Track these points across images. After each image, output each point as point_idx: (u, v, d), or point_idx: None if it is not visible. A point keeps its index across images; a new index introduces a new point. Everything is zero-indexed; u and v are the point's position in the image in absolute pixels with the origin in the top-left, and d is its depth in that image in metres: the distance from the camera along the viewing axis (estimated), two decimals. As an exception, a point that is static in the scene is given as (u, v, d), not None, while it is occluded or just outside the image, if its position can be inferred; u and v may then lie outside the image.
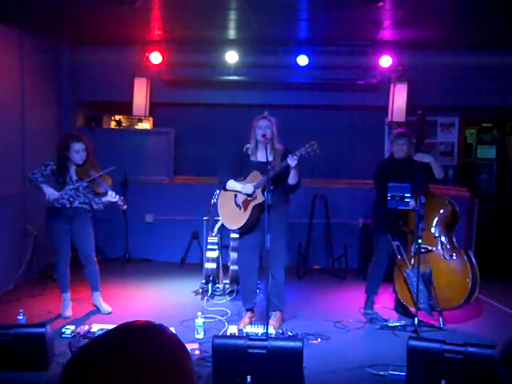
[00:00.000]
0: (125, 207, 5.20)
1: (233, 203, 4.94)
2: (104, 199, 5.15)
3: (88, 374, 0.88)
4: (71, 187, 5.11)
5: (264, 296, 4.72)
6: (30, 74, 6.55)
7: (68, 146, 5.07)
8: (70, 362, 0.92)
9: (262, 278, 5.15)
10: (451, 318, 5.22)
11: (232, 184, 4.89)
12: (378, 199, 5.38)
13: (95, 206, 5.23)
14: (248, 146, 4.97)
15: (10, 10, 5.51)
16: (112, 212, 5.38)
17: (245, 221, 4.86)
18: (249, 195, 4.82)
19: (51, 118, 7.24)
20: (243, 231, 4.99)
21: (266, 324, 4.46)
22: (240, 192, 4.88)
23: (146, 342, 0.95)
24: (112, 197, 5.09)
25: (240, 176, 4.95)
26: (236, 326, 4.88)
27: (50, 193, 5.05)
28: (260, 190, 4.78)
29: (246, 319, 5.03)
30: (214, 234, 6.09)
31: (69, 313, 5.23)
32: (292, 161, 4.59)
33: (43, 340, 4.01)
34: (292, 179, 4.78)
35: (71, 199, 5.15)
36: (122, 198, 5.19)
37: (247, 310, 5.10)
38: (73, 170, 5.15)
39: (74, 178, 5.15)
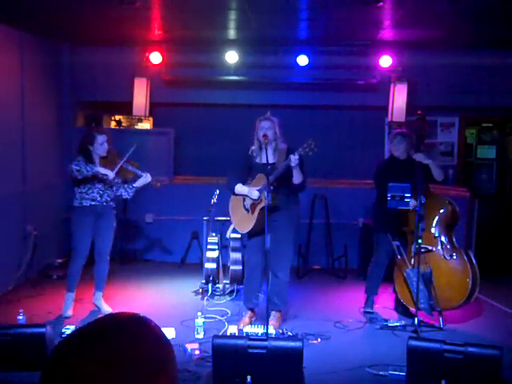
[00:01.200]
0: (158, 185, 5.26)
1: (242, 207, 5.01)
2: (136, 184, 5.20)
3: (73, 361, 0.89)
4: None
5: (265, 296, 4.72)
6: (30, 74, 6.54)
7: (94, 139, 5.09)
8: (56, 349, 0.93)
9: (265, 279, 5.15)
10: (451, 317, 5.22)
11: (240, 188, 4.95)
12: (378, 199, 5.38)
13: (125, 195, 5.26)
14: (253, 148, 5.01)
15: (9, 9, 5.52)
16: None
17: (253, 224, 4.90)
18: (255, 199, 4.86)
19: (51, 118, 7.23)
20: (252, 234, 5.03)
21: (266, 324, 4.45)
22: (247, 196, 4.93)
23: (129, 333, 0.95)
24: (146, 178, 5.16)
25: (249, 178, 5.00)
26: (236, 326, 4.87)
27: (109, 172, 5.02)
28: (265, 192, 4.79)
29: (246, 319, 5.04)
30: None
31: (70, 312, 5.23)
32: (292, 160, 4.61)
33: (43, 340, 4.00)
34: (296, 178, 4.80)
35: (101, 192, 5.17)
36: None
37: (248, 310, 5.10)
38: (97, 163, 5.16)
39: None
